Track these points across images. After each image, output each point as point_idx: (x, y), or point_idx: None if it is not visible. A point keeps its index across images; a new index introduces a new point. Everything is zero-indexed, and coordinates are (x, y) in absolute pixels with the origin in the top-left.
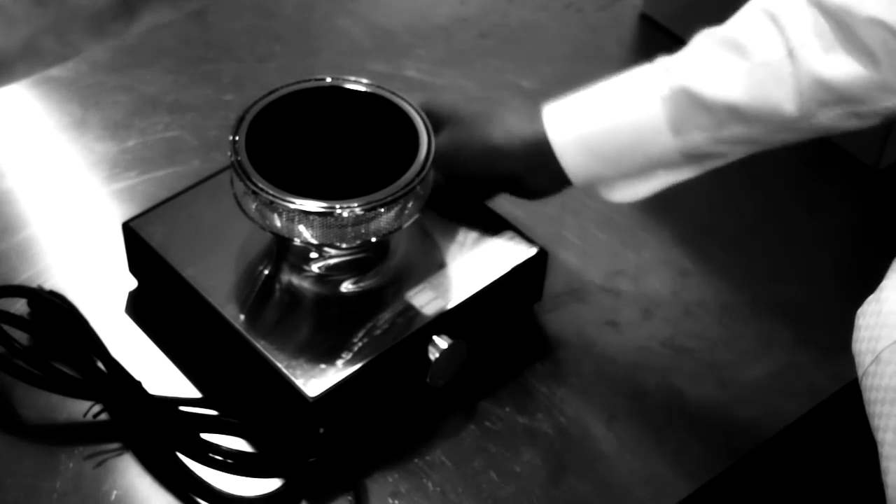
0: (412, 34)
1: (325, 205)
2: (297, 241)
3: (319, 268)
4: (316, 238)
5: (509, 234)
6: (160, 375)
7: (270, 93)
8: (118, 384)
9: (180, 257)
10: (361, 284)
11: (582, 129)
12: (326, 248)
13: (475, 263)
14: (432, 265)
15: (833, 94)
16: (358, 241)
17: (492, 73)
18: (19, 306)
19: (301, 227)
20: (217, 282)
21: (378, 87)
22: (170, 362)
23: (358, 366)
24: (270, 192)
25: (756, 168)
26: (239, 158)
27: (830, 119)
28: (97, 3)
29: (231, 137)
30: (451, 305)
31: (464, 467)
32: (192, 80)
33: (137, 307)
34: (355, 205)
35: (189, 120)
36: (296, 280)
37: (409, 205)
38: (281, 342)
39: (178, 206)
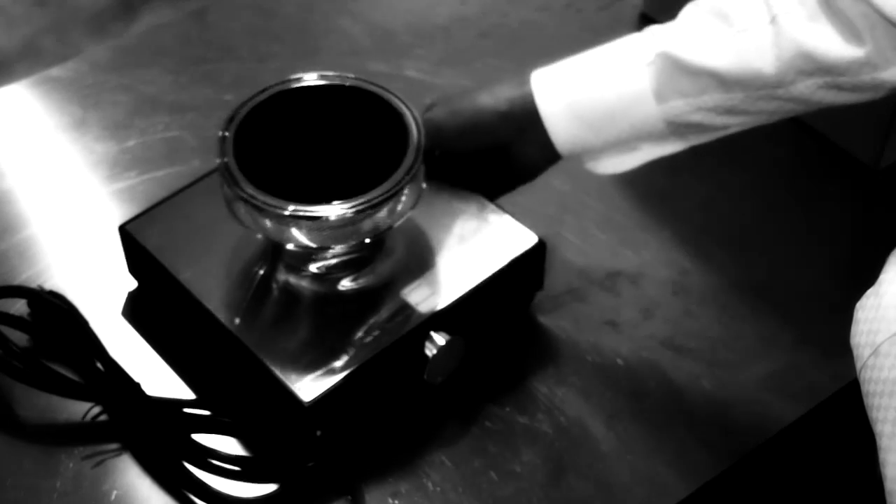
0: (412, 34)
1: (315, 208)
2: (289, 246)
3: (315, 268)
4: (307, 241)
5: (507, 224)
6: (160, 377)
7: (258, 94)
8: (117, 386)
9: (176, 260)
10: (357, 283)
11: (569, 95)
12: (320, 249)
13: (472, 257)
14: (429, 260)
15: (813, 64)
16: (351, 242)
17: (492, 73)
18: (19, 306)
19: (292, 231)
20: (212, 285)
21: (367, 82)
22: (169, 363)
23: (353, 368)
24: (260, 197)
25: (756, 168)
26: (227, 162)
27: (809, 88)
28: (97, 3)
29: (219, 140)
30: (447, 303)
31: (464, 467)
32: (192, 80)
33: (135, 309)
34: (346, 206)
35: (189, 120)
36: (291, 280)
37: (402, 201)
38: (276, 346)
39: (174, 206)
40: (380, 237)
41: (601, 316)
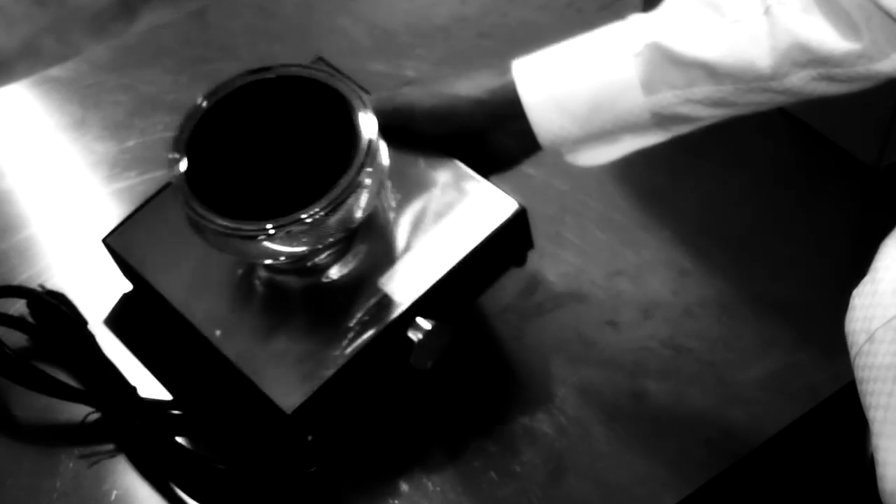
0: (412, 34)
1: (267, 225)
2: (255, 261)
3: (289, 267)
4: (271, 256)
5: (485, 192)
6: (157, 378)
7: (195, 109)
8: (112, 389)
9: (156, 271)
10: (338, 276)
11: (552, 86)
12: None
13: (448, 235)
14: (405, 243)
15: (809, 55)
16: (319, 245)
17: None
18: (19, 307)
19: (251, 248)
20: (193, 295)
21: (308, 68)
22: (168, 364)
23: (334, 370)
24: (219, 221)
25: (756, 168)
26: (180, 185)
27: (802, 80)
28: (97, 3)
29: (174, 173)
30: (425, 288)
31: (464, 467)
32: (192, 80)
33: (124, 315)
34: (302, 217)
35: None
36: (271, 280)
37: (361, 199)
38: (257, 355)
39: (152, 211)
40: (346, 234)
41: (601, 316)
